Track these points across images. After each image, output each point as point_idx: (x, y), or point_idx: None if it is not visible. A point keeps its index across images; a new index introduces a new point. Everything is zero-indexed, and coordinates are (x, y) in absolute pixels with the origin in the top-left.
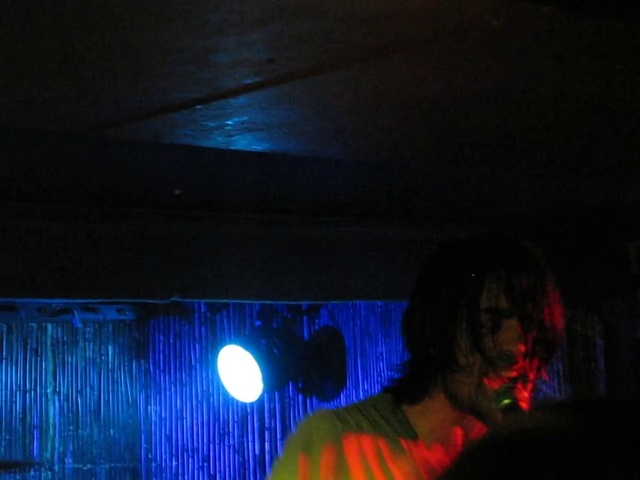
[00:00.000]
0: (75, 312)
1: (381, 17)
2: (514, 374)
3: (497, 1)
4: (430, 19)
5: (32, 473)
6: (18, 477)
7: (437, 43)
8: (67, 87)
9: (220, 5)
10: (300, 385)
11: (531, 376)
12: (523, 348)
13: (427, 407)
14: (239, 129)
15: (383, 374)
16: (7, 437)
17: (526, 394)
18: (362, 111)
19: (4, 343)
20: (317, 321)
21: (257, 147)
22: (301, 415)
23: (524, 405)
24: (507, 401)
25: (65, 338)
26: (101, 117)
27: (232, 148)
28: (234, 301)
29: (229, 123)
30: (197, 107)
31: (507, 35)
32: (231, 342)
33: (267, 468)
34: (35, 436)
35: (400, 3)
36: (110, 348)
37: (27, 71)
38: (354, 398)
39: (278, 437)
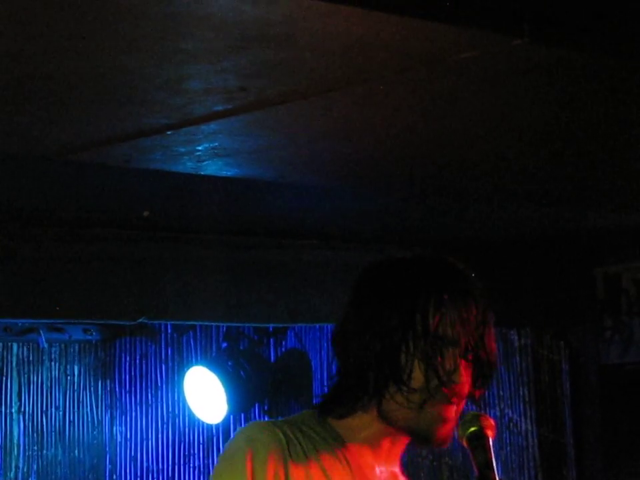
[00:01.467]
0: (41, 331)
1: (352, 47)
2: (454, 400)
3: (467, 33)
4: (400, 50)
5: None
6: None
7: (408, 73)
8: (37, 111)
9: (192, 34)
10: (266, 407)
11: (470, 399)
12: (466, 376)
13: (355, 422)
14: (209, 155)
15: None
16: None
17: (492, 421)
18: (331, 139)
19: None
20: (283, 342)
21: (226, 173)
22: None
23: (490, 433)
24: (473, 429)
25: (31, 357)
26: (72, 140)
27: (202, 173)
28: (200, 322)
29: (199, 148)
30: (168, 132)
31: (477, 65)
32: (197, 363)
33: None
34: None
35: (371, 33)
36: (76, 368)
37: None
38: None
39: None
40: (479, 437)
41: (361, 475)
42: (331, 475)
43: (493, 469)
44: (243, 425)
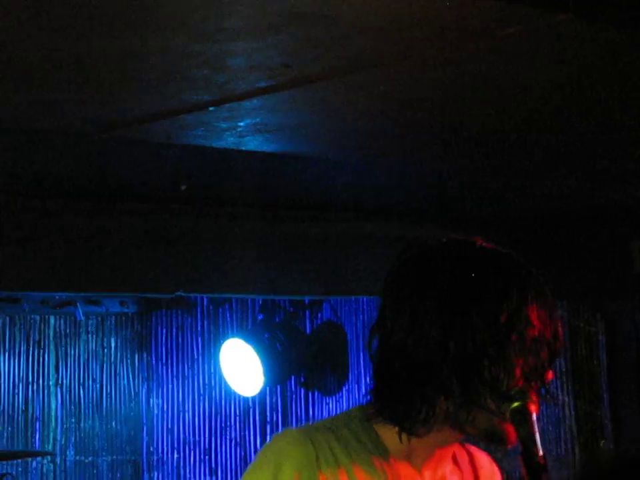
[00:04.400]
0: (78, 304)
1: (394, 24)
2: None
3: (512, 8)
4: (443, 26)
5: (34, 464)
6: (20, 467)
7: (448, 50)
8: (81, 89)
9: (236, 11)
10: (302, 379)
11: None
12: (550, 373)
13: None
14: (250, 131)
15: None
16: (9, 429)
17: (535, 397)
18: (372, 114)
19: (7, 335)
20: (319, 315)
21: (267, 148)
22: (302, 409)
23: (533, 408)
24: (516, 404)
25: (68, 330)
26: (114, 118)
27: (242, 149)
28: (237, 295)
29: (241, 124)
30: (210, 108)
31: (518, 41)
32: (233, 335)
33: None
34: (37, 428)
35: (413, 10)
36: (112, 341)
37: (42, 74)
38: (356, 392)
39: (279, 430)
40: (523, 412)
41: None
42: None
43: (537, 444)
44: (278, 397)
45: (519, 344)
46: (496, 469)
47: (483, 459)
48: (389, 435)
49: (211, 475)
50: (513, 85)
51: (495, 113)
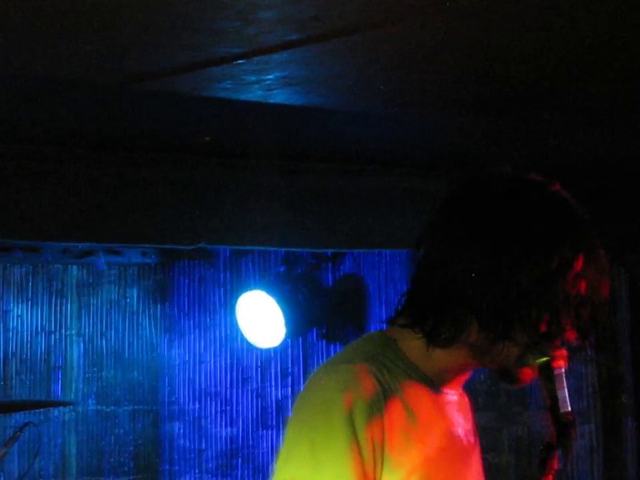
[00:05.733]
0: (100, 254)
1: None
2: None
3: None
4: None
5: (55, 413)
6: (41, 417)
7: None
8: (107, 39)
9: None
10: (323, 331)
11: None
12: (583, 329)
13: (441, 355)
14: (279, 84)
15: None
16: (31, 378)
17: (563, 351)
18: (402, 67)
19: (28, 285)
20: (341, 267)
21: (294, 101)
22: (323, 361)
23: (561, 363)
24: (545, 359)
25: (89, 280)
26: (141, 69)
27: (270, 102)
28: (259, 247)
29: (270, 77)
30: (239, 61)
31: None
32: (254, 287)
33: (287, 413)
34: (58, 377)
35: None
36: (134, 291)
37: (70, 24)
38: None
39: (299, 382)
40: (548, 368)
41: (443, 409)
42: (420, 419)
43: (564, 400)
44: (299, 349)
45: (563, 295)
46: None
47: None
48: (420, 356)
49: (230, 426)
50: (545, 38)
51: (526, 65)
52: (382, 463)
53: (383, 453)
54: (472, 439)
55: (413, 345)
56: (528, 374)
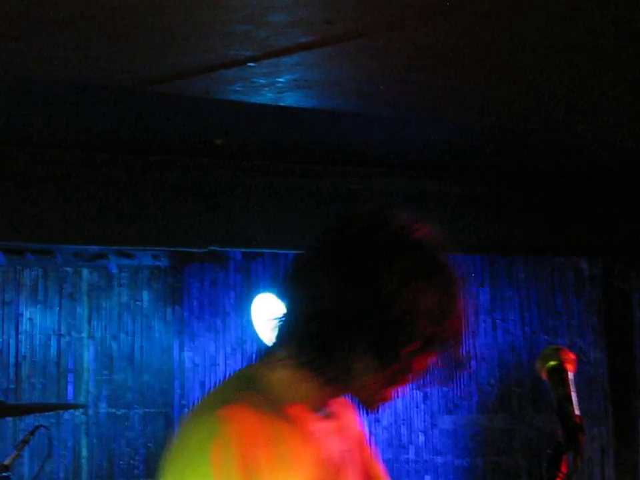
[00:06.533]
0: (111, 257)
1: None
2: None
3: None
4: None
5: (67, 416)
6: (52, 419)
7: (489, 4)
8: (122, 44)
9: None
10: None
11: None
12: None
13: (305, 382)
14: (289, 86)
15: None
16: (43, 381)
17: (572, 355)
18: (412, 71)
19: (40, 287)
20: None
21: (305, 104)
22: None
23: (569, 367)
24: (552, 363)
25: (101, 283)
26: (153, 72)
27: (280, 104)
28: (270, 250)
29: (281, 80)
30: (250, 64)
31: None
32: (265, 290)
33: None
34: (70, 380)
35: None
36: (145, 294)
37: (84, 29)
38: None
39: None
40: (559, 371)
41: (311, 439)
42: (288, 456)
43: (572, 403)
44: None
45: (396, 322)
46: (357, 418)
47: (350, 410)
48: (281, 389)
49: None
50: (556, 42)
51: (539, 67)
52: None
53: None
54: (354, 456)
55: (279, 379)
56: (383, 403)
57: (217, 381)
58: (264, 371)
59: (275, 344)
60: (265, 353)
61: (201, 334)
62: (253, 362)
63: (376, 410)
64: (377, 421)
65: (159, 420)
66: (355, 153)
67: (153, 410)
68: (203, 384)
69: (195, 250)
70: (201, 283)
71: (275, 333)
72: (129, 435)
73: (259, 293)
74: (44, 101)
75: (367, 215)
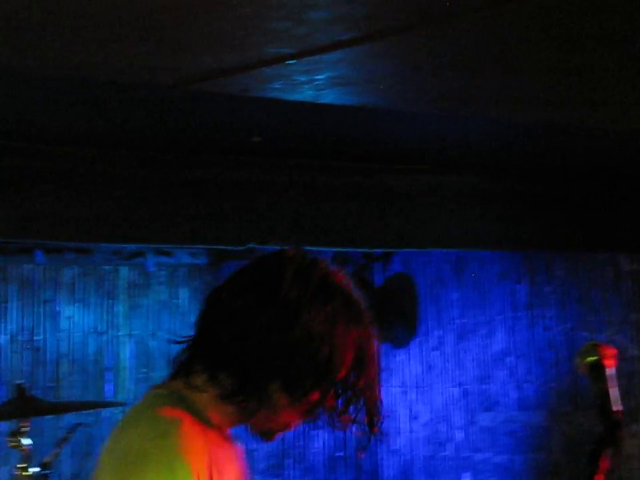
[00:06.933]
0: (149, 255)
1: None
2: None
3: None
4: None
5: (106, 414)
6: (91, 417)
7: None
8: (160, 41)
9: None
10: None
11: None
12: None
13: (218, 405)
14: (329, 84)
15: (455, 321)
16: (82, 379)
17: (612, 351)
18: (454, 66)
19: (79, 286)
20: (390, 267)
21: (345, 101)
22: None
23: (609, 362)
24: (592, 358)
25: (139, 281)
26: (193, 71)
27: (320, 102)
28: (310, 247)
29: (320, 77)
30: (290, 62)
31: None
32: None
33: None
34: (108, 377)
35: None
36: (183, 291)
37: (125, 27)
38: (426, 344)
39: None
40: (598, 367)
41: (233, 457)
42: (221, 469)
43: (611, 399)
44: None
45: (314, 364)
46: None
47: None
48: (206, 407)
49: None
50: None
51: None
52: None
53: None
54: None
55: (200, 397)
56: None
57: None
58: (185, 391)
59: (190, 359)
60: (182, 367)
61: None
62: (169, 377)
63: (271, 440)
64: (415, 418)
65: None
66: (394, 151)
67: None
68: None
69: (232, 248)
70: None
71: (191, 349)
72: None
73: None
74: (85, 100)
75: (294, 256)
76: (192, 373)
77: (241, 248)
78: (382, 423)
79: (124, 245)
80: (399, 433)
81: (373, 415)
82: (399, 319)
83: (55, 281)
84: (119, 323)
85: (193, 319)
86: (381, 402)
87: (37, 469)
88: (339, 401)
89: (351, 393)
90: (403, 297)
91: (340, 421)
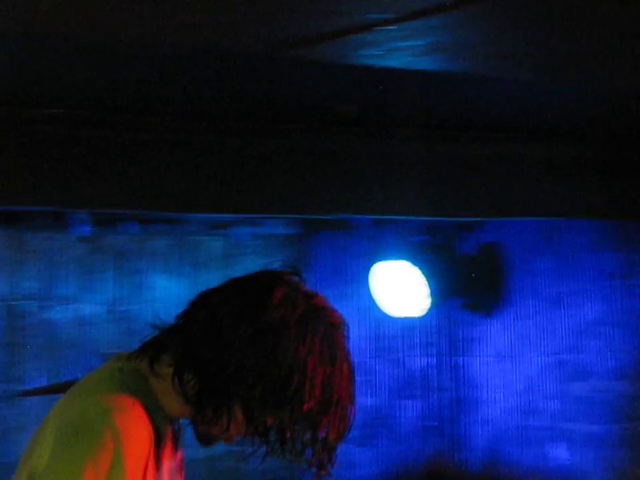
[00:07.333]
0: (241, 225)
1: None
2: None
3: None
4: None
5: None
6: None
7: None
8: (254, 7)
9: None
10: (463, 300)
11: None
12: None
13: (174, 396)
14: (426, 50)
15: (548, 289)
16: None
17: None
18: (552, 32)
19: (171, 256)
20: (482, 236)
21: (440, 67)
22: (464, 330)
23: None
24: None
25: (231, 251)
26: (286, 38)
27: (415, 68)
28: (400, 217)
29: (418, 43)
30: (385, 27)
31: None
32: (395, 257)
33: (431, 382)
34: None
35: None
36: (275, 261)
37: None
38: (518, 313)
39: (441, 351)
40: None
41: (173, 444)
42: (160, 454)
43: None
44: (440, 318)
45: (277, 389)
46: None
47: None
48: (161, 392)
49: (372, 396)
50: None
51: None
52: None
53: None
54: (180, 462)
55: (159, 383)
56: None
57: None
58: (148, 374)
59: (162, 347)
60: (152, 350)
61: (331, 301)
62: (138, 351)
63: (208, 446)
64: (506, 387)
65: None
66: (487, 118)
67: None
68: None
69: (326, 217)
70: (331, 251)
71: (168, 333)
72: None
73: (388, 259)
74: (177, 70)
75: (289, 279)
76: (159, 360)
77: (335, 217)
78: (333, 467)
79: (216, 215)
80: (490, 402)
81: (324, 457)
82: (491, 288)
83: (148, 252)
84: None
85: None
86: (336, 447)
87: None
88: (294, 434)
89: (309, 430)
90: (495, 266)
91: (289, 452)
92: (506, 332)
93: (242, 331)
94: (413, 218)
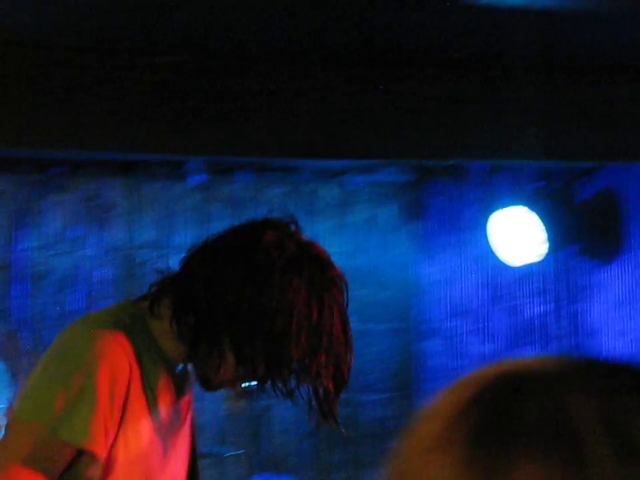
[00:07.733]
0: (352, 172)
1: None
2: None
3: None
4: None
5: None
6: None
7: None
8: None
9: None
10: (579, 247)
11: None
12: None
13: (171, 337)
14: None
15: None
16: None
17: None
18: None
19: (287, 205)
20: (600, 182)
21: (562, 5)
22: (580, 277)
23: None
24: None
25: (344, 199)
26: None
27: (534, 7)
28: (514, 162)
29: None
30: None
31: None
32: (509, 203)
33: (546, 330)
34: None
35: None
36: (386, 209)
37: None
38: (632, 261)
39: (559, 298)
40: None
41: (173, 384)
42: (155, 394)
43: None
44: (556, 265)
45: (273, 334)
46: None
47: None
48: (158, 332)
49: (486, 343)
50: None
51: None
52: (119, 426)
53: (123, 418)
54: (186, 409)
55: (158, 325)
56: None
57: (458, 297)
58: (147, 314)
59: (163, 291)
60: (153, 293)
61: (444, 249)
62: (142, 296)
63: (211, 391)
64: (624, 335)
65: (401, 335)
66: (604, 61)
67: (393, 325)
68: (443, 299)
69: (439, 163)
70: (444, 198)
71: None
72: (371, 350)
73: (504, 206)
74: (288, 11)
75: (279, 225)
76: (160, 302)
77: (448, 163)
78: (337, 415)
79: (331, 162)
80: (607, 349)
81: (324, 404)
82: (607, 235)
83: (264, 200)
84: (322, 241)
85: (396, 236)
86: (338, 392)
87: None
88: (290, 381)
89: (303, 375)
90: (611, 212)
91: (289, 398)
92: (623, 279)
93: (230, 271)
94: (525, 162)
